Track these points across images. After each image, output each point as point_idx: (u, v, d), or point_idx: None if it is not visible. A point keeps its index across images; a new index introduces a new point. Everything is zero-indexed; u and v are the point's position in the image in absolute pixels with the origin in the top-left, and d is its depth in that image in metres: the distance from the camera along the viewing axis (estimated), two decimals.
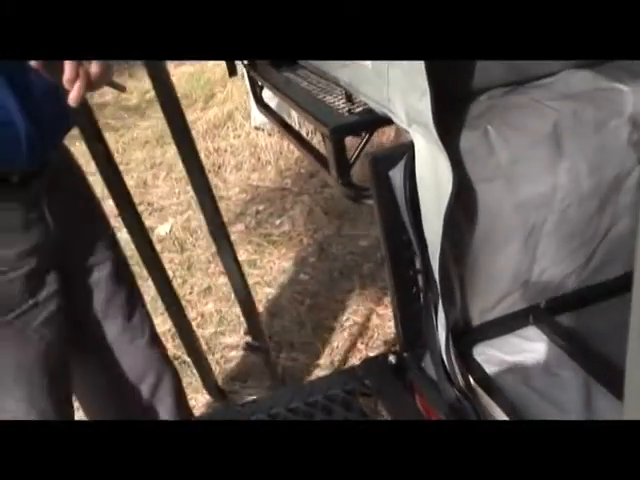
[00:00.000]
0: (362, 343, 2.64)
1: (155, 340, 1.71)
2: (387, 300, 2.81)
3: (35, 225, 1.36)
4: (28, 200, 1.34)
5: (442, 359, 1.18)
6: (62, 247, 1.43)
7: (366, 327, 2.72)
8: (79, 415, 1.82)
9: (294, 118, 3.51)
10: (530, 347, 1.26)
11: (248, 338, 1.29)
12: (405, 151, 1.13)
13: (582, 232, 1.29)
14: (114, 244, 1.63)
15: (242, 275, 1.19)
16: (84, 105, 1.45)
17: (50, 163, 1.37)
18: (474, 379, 1.18)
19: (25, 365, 1.38)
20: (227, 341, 2.76)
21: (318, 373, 2.53)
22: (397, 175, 1.14)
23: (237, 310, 2.95)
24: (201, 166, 1.63)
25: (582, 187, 1.24)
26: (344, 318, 2.79)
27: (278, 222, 3.63)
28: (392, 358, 1.31)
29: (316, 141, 3.94)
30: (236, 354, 2.70)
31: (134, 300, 1.65)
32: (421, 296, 1.25)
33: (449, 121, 1.17)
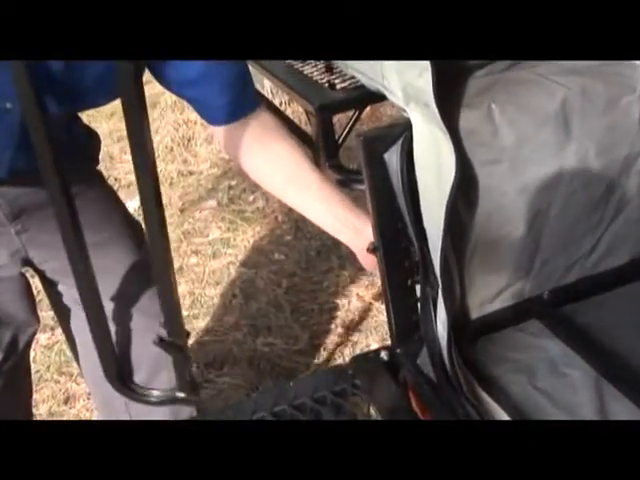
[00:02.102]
0: (343, 327, 2.56)
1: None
2: (368, 281, 2.74)
3: None
4: None
5: (442, 358, 1.10)
6: None
7: (347, 310, 2.65)
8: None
9: (267, 87, 3.40)
10: (534, 343, 1.19)
11: (163, 331, 1.16)
12: (402, 131, 1.05)
13: (588, 217, 1.22)
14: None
15: (166, 251, 1.02)
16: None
17: None
18: (476, 379, 1.11)
19: None
20: (201, 325, 2.67)
21: (297, 359, 2.46)
22: (393, 158, 1.07)
23: (211, 292, 2.87)
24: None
25: (590, 169, 1.17)
26: (323, 300, 2.71)
27: (252, 198, 3.53)
28: (384, 354, 1.23)
29: (290, 111, 3.86)
30: (211, 339, 2.61)
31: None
32: (417, 289, 1.17)
33: (448, 99, 1.08)
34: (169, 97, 4.71)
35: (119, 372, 1.25)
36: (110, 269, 1.52)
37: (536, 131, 1.11)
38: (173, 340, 1.17)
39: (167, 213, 3.48)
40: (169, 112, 4.55)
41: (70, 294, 1.57)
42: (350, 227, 1.30)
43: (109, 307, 1.54)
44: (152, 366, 1.58)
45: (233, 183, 3.69)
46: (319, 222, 1.35)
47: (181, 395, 1.23)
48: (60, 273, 1.53)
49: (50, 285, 1.57)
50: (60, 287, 1.56)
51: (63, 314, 1.63)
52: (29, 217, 1.41)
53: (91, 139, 1.54)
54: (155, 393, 1.29)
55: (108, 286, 1.53)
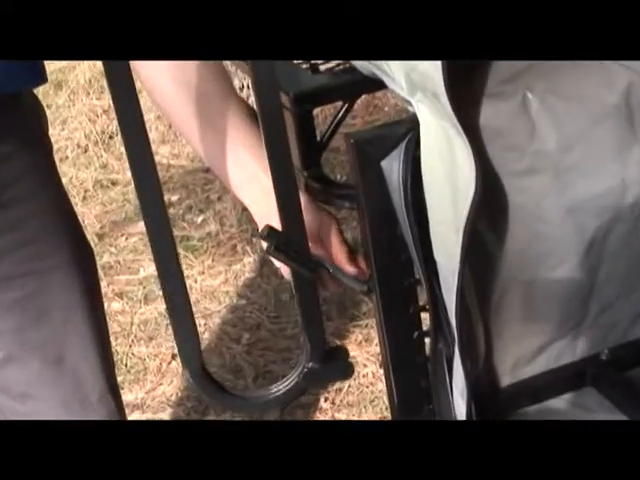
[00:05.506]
0: (326, 400, 2.60)
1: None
2: (361, 335, 2.78)
3: None
4: None
5: None
6: None
7: None
8: None
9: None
10: (588, 419, 1.24)
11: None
12: (405, 130, 1.10)
13: None
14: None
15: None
16: None
17: None
18: None
19: None
20: (126, 399, 2.70)
21: None
22: (393, 166, 1.11)
23: (141, 350, 2.90)
24: None
25: None
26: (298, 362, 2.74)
27: (200, 219, 3.57)
28: None
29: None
30: (140, 418, 2.64)
31: None
32: (427, 345, 1.21)
33: (466, 88, 1.13)
34: (81, 73, 4.71)
35: None
36: (45, 314, 1.56)
37: (589, 130, 1.16)
38: None
39: None
40: (82, 96, 4.56)
41: None
42: (256, 184, 1.29)
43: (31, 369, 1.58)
44: None
45: (174, 198, 3.71)
46: (219, 171, 1.36)
47: None
48: None
49: None
50: None
51: None
52: None
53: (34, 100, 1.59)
54: None
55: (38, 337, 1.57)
